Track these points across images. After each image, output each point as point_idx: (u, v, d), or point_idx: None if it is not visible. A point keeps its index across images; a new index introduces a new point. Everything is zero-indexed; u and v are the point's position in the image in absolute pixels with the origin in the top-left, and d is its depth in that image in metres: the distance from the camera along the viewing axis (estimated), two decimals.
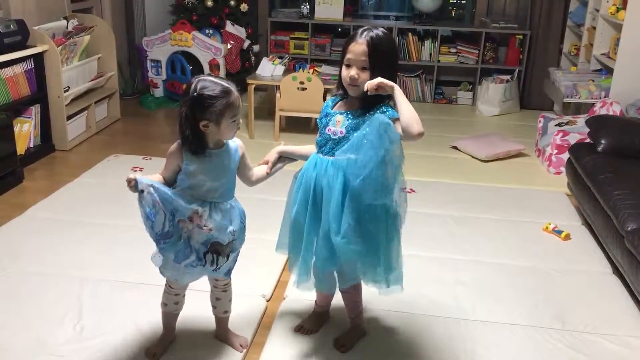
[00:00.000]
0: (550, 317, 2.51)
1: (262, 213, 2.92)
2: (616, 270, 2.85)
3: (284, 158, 2.21)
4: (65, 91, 4.32)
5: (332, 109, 2.05)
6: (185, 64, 5.52)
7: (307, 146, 2.18)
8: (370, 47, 1.87)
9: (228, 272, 2.12)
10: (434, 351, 2.28)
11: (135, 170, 3.93)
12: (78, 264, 2.78)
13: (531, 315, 2.52)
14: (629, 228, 2.53)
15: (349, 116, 1.99)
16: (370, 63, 1.88)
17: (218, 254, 1.99)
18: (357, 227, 1.91)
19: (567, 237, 3.19)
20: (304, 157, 2.15)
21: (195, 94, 1.82)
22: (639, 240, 2.41)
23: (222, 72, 5.47)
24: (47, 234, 3.05)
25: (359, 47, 1.89)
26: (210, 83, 1.85)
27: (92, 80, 4.79)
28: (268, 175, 2.17)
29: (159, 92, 5.73)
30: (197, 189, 1.93)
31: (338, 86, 2.06)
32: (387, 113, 1.90)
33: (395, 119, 1.87)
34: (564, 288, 2.74)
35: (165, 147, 4.88)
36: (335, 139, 1.99)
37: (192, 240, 1.94)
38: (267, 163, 2.17)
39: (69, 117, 4.42)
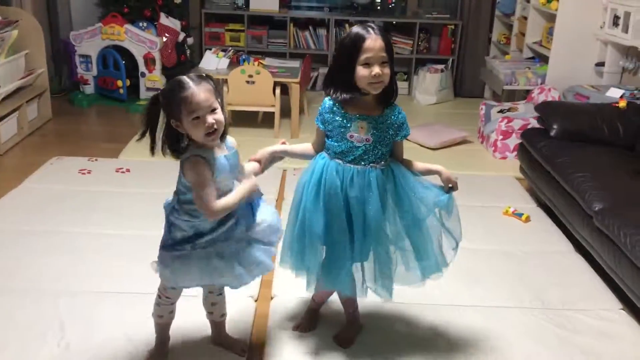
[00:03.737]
0: (530, 297, 2.62)
1: None
2: (577, 249, 3.01)
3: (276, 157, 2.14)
4: None
5: (346, 112, 1.95)
6: (118, 59, 5.26)
7: (302, 145, 2.13)
8: (385, 41, 1.85)
9: None
10: (431, 338, 2.32)
11: (84, 173, 3.72)
12: (47, 276, 2.59)
13: (512, 297, 2.62)
14: (597, 208, 2.67)
15: (374, 122, 1.94)
16: (388, 57, 1.86)
17: None
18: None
19: (528, 219, 3.34)
20: (299, 157, 2.12)
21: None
22: (609, 219, 2.55)
23: (158, 67, 5.27)
24: (2, 247, 2.82)
25: (376, 43, 1.83)
26: (178, 78, 1.77)
27: (22, 78, 4.47)
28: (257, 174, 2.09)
29: (90, 88, 5.41)
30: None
31: (341, 89, 1.91)
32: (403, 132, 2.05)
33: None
34: (535, 269, 2.87)
35: (106, 146, 4.56)
36: (361, 147, 1.93)
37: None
38: (258, 161, 2.09)
39: (0, 119, 4.11)
